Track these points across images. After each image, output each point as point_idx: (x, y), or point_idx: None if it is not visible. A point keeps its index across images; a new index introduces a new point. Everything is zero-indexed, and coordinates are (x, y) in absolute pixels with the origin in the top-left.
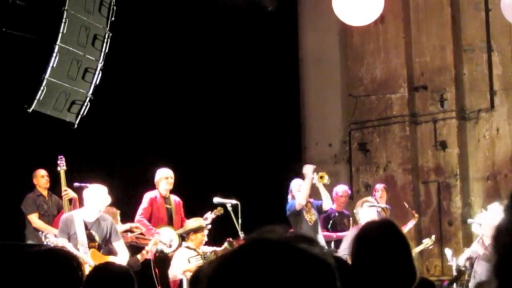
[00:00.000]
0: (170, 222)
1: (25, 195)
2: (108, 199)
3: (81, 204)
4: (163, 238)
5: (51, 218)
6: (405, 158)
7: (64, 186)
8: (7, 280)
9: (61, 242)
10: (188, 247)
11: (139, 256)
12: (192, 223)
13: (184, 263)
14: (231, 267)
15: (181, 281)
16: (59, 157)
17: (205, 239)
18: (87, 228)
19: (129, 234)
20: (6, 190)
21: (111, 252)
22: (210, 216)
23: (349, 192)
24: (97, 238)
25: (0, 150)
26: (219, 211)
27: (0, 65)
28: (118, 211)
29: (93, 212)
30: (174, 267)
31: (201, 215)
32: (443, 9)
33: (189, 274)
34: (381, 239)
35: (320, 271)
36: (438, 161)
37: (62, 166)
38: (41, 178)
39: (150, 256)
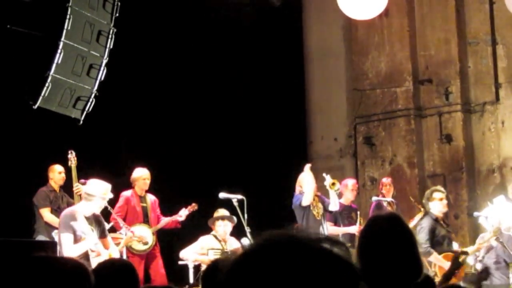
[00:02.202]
0: (146, 220)
1: (38, 189)
2: (109, 197)
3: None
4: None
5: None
6: (411, 152)
7: (75, 182)
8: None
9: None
10: (215, 237)
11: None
12: (215, 214)
13: (203, 250)
14: (251, 267)
15: (186, 267)
16: (70, 151)
17: (225, 229)
18: (88, 222)
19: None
20: (12, 186)
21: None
22: (184, 213)
23: (355, 181)
24: (96, 232)
25: (6, 146)
26: (193, 207)
27: (5, 62)
28: None
29: (93, 207)
30: (190, 251)
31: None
32: (447, 2)
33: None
34: (387, 232)
35: (344, 273)
36: (444, 154)
37: (73, 161)
38: (58, 174)
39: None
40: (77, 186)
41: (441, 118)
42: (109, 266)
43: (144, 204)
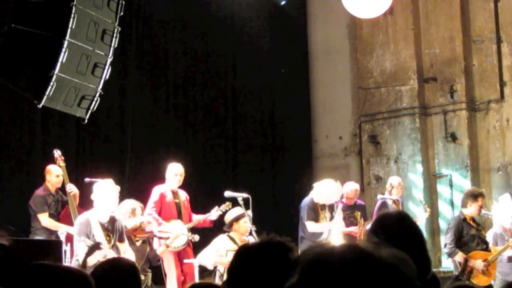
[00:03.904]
0: (179, 217)
1: (34, 191)
2: (117, 192)
3: (84, 199)
4: (178, 231)
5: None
6: (416, 150)
7: (67, 182)
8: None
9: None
10: (229, 237)
11: (158, 251)
12: (230, 213)
13: (220, 253)
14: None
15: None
16: (55, 150)
17: (249, 226)
18: (103, 228)
19: (147, 228)
20: (16, 184)
21: (118, 251)
22: (216, 213)
23: (357, 187)
24: (112, 238)
25: (11, 145)
26: (227, 205)
27: (9, 61)
28: (139, 205)
29: (106, 210)
30: (207, 255)
31: (211, 209)
32: (452, 0)
33: (221, 268)
34: (396, 230)
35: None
36: (449, 152)
37: (61, 160)
38: (55, 177)
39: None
40: (70, 188)
41: (446, 117)
42: (110, 265)
43: (177, 200)
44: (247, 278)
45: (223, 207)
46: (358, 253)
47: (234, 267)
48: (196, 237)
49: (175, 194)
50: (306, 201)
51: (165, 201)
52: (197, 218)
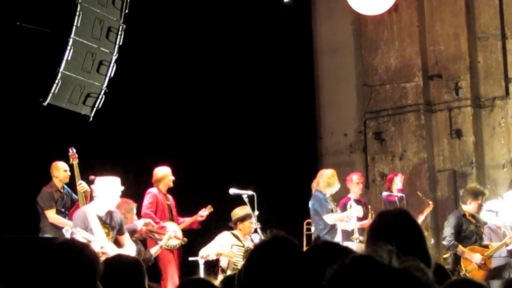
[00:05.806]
0: (171, 219)
1: (41, 188)
2: (119, 191)
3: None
4: (171, 232)
5: (67, 212)
6: (421, 147)
7: (78, 179)
8: (24, 273)
9: (88, 236)
10: (233, 234)
11: (152, 251)
12: (238, 211)
13: (224, 246)
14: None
15: (197, 263)
16: (70, 148)
17: (253, 227)
18: (101, 222)
19: (143, 228)
20: (21, 183)
21: (119, 244)
22: (204, 213)
23: (363, 178)
24: (111, 231)
25: (16, 143)
26: (209, 209)
27: (14, 59)
28: (135, 205)
29: (105, 205)
30: (211, 247)
31: (215, 206)
32: None
33: (225, 260)
34: (395, 227)
35: None
36: (454, 149)
37: (74, 158)
38: (63, 172)
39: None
40: (80, 184)
41: (451, 113)
42: (115, 262)
43: (168, 202)
44: (264, 275)
45: (207, 209)
46: (374, 266)
47: (251, 265)
48: (185, 240)
49: (165, 196)
50: (318, 196)
51: (159, 204)
52: (188, 219)
